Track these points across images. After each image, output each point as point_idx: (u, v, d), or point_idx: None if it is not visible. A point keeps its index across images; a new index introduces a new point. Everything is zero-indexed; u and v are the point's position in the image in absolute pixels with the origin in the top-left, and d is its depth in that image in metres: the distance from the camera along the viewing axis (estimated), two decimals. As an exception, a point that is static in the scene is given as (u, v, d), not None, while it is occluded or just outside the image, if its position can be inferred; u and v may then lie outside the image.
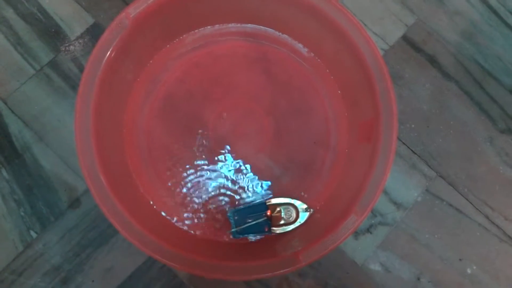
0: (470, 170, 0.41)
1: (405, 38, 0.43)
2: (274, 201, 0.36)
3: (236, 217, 0.35)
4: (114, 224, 0.30)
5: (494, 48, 0.43)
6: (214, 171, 0.37)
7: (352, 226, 0.30)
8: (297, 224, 0.35)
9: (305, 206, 0.35)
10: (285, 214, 0.35)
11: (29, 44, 0.41)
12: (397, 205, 0.40)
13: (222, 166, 0.38)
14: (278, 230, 0.35)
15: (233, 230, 0.35)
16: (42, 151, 0.39)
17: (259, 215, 0.35)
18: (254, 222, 0.35)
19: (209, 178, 0.37)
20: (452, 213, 0.40)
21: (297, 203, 0.36)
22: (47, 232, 0.38)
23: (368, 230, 0.39)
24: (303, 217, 0.35)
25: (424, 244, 0.39)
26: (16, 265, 0.37)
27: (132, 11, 0.33)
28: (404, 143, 0.41)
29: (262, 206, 0.36)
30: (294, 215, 0.35)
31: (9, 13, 0.42)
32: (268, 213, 0.35)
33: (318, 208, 0.36)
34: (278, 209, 0.36)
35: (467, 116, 0.42)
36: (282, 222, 0.35)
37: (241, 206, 0.36)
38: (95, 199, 0.30)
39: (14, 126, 0.40)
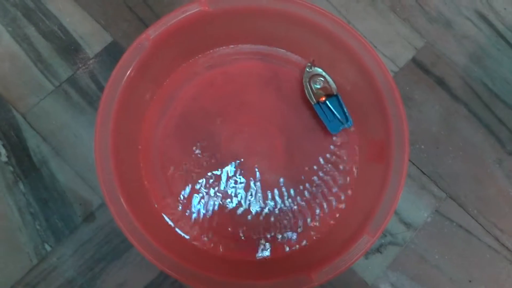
0: (479, 192, 0.41)
1: (414, 60, 0.44)
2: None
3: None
4: (130, 239, 0.31)
5: (502, 72, 0.44)
6: (226, 188, 0.38)
7: (364, 246, 0.31)
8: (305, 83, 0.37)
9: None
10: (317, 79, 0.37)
11: (49, 60, 0.43)
12: (407, 225, 0.40)
13: (234, 183, 0.38)
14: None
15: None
16: (59, 166, 0.40)
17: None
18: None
19: (222, 196, 0.38)
20: (462, 235, 0.40)
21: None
22: (61, 245, 0.38)
23: (378, 250, 0.39)
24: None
25: (434, 265, 0.39)
26: (30, 278, 0.38)
27: (152, 33, 0.34)
28: (413, 164, 0.41)
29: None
30: (314, 85, 0.37)
31: (31, 31, 0.43)
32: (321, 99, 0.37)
33: (331, 224, 0.37)
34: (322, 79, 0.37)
35: (476, 138, 0.42)
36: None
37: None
38: (112, 215, 0.31)
39: (32, 141, 0.41)
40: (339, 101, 0.38)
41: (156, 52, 0.35)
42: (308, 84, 0.38)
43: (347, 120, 0.38)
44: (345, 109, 0.38)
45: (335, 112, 0.38)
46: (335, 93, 0.38)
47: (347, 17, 0.45)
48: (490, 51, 0.45)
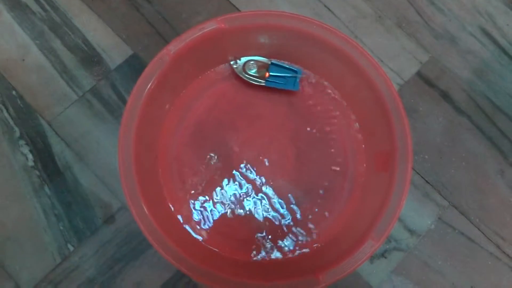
0: (481, 201, 0.43)
1: (419, 74, 0.46)
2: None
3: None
4: (149, 239, 0.33)
5: (505, 86, 0.46)
6: (238, 194, 0.40)
7: (369, 250, 0.32)
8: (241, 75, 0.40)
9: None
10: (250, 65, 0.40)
11: (73, 72, 0.46)
12: (411, 232, 0.42)
13: (245, 190, 0.40)
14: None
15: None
16: (81, 171, 0.43)
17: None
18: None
19: (233, 201, 0.40)
20: (464, 242, 0.42)
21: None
22: (83, 245, 0.41)
23: (383, 255, 0.41)
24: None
25: (437, 271, 0.41)
26: (54, 275, 0.40)
27: (172, 48, 0.37)
28: (418, 173, 0.43)
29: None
30: (249, 72, 0.40)
31: (57, 44, 0.46)
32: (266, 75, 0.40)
33: (337, 230, 0.39)
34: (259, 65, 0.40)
35: (478, 149, 0.44)
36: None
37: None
38: (134, 217, 0.33)
39: (57, 147, 0.43)
40: (277, 64, 0.41)
41: (175, 66, 0.37)
42: (245, 75, 0.41)
43: (296, 72, 0.41)
44: (287, 66, 0.41)
45: (283, 75, 0.41)
46: (269, 62, 0.41)
47: (355, 32, 0.47)
48: (493, 66, 0.47)
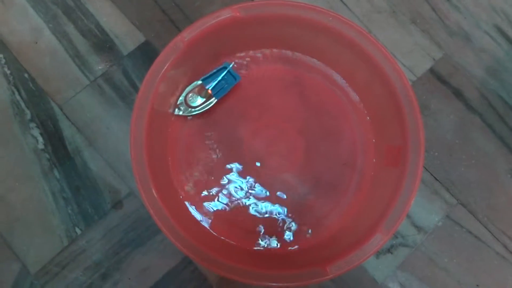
0: (490, 200, 0.43)
1: (432, 71, 0.46)
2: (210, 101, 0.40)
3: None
4: (159, 224, 0.33)
5: (518, 85, 0.46)
6: (246, 184, 0.40)
7: (377, 244, 0.32)
8: (194, 112, 0.39)
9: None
10: (193, 99, 0.39)
11: (85, 57, 0.46)
12: (418, 228, 0.42)
13: (253, 180, 0.40)
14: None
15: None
16: (91, 155, 0.43)
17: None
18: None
19: (241, 191, 0.40)
20: (471, 240, 0.42)
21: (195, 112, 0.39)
22: (90, 230, 0.41)
23: (389, 250, 0.41)
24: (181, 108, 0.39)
25: (443, 268, 0.41)
26: (61, 258, 0.40)
27: (187, 35, 0.37)
28: (427, 170, 0.43)
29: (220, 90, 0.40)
30: (194, 104, 0.39)
31: (70, 28, 0.46)
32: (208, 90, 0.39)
33: (344, 224, 0.39)
34: (202, 96, 0.39)
35: (489, 148, 0.44)
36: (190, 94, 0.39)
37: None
38: (144, 203, 0.33)
39: (68, 131, 0.43)
40: (207, 76, 0.40)
41: (188, 53, 0.37)
42: (197, 109, 0.40)
43: (225, 68, 0.40)
44: (214, 71, 0.40)
45: (219, 78, 0.40)
46: (200, 81, 0.40)
47: (369, 27, 0.47)
48: (507, 65, 0.46)
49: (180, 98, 0.40)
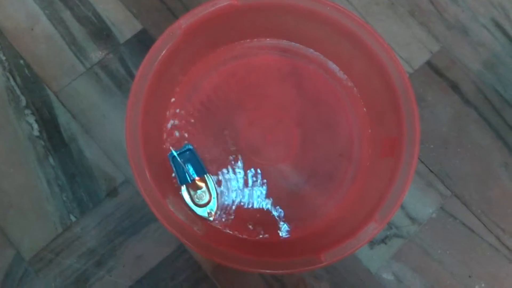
0: (484, 193, 0.43)
1: (429, 63, 0.46)
2: (209, 183, 0.39)
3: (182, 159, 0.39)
4: (155, 212, 0.33)
5: (514, 79, 0.46)
6: (243, 173, 0.40)
7: (371, 232, 0.33)
8: (194, 209, 0.38)
9: (212, 210, 0.38)
10: (199, 196, 0.38)
11: (82, 44, 0.45)
12: (412, 219, 0.42)
13: (250, 169, 0.40)
14: (184, 194, 0.38)
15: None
16: (87, 143, 0.43)
17: (192, 170, 0.39)
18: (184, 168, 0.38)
19: (238, 180, 0.40)
20: (464, 232, 0.42)
21: (214, 204, 0.39)
22: (85, 217, 0.41)
23: (383, 241, 0.41)
24: (203, 212, 0.38)
25: (436, 259, 0.41)
26: (55, 245, 0.40)
27: (183, 22, 0.36)
28: (422, 162, 0.43)
29: (201, 171, 0.39)
30: (205, 200, 0.38)
31: (66, 15, 0.46)
32: (196, 179, 0.38)
33: (337, 214, 0.39)
34: (203, 188, 0.39)
35: (484, 141, 0.44)
36: (193, 195, 0.38)
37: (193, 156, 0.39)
38: (139, 189, 0.33)
39: (63, 118, 0.43)
40: (179, 171, 0.39)
41: (186, 40, 0.37)
42: (210, 206, 0.39)
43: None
44: (185, 165, 0.39)
45: (188, 165, 0.39)
46: (180, 184, 0.39)
47: (366, 18, 0.47)
48: (504, 59, 0.46)
49: (197, 211, 0.38)
